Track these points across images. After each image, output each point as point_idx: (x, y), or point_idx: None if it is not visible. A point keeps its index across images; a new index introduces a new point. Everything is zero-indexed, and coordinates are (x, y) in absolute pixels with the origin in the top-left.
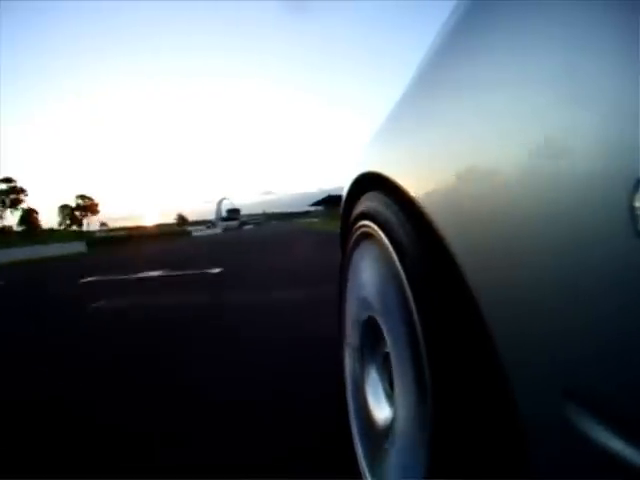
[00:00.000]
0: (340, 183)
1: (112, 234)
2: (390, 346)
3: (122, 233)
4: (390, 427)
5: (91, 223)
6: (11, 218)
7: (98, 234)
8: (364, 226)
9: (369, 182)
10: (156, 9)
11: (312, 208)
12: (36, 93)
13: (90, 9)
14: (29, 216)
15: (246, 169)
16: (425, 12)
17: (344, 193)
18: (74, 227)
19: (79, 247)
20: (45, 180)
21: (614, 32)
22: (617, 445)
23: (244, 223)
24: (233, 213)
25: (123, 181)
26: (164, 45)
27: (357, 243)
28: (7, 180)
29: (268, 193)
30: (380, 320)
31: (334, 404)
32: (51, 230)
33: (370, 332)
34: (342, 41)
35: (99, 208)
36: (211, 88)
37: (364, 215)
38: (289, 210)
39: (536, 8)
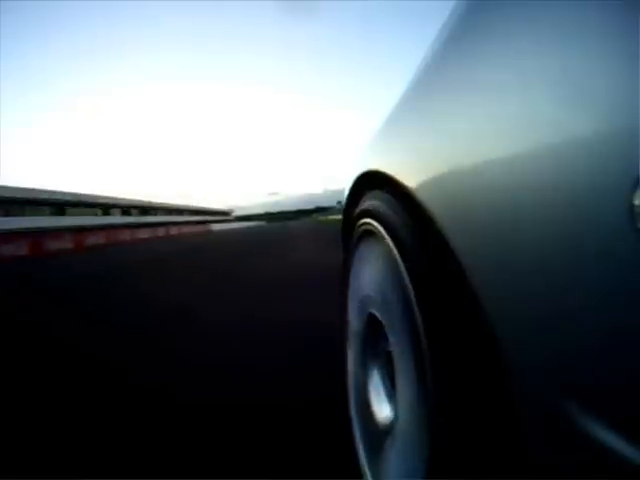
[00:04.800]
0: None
1: None
2: (392, 343)
3: None
4: (391, 426)
5: None
6: None
7: None
8: (366, 224)
9: (371, 180)
10: (156, 9)
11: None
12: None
13: (87, 8)
14: None
15: (251, 171)
16: (426, 11)
17: (346, 192)
18: None
19: None
20: None
21: (614, 32)
22: (617, 444)
23: None
24: None
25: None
26: (163, 46)
27: (359, 240)
28: None
29: (274, 194)
30: (382, 317)
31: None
32: None
33: (372, 329)
34: (344, 41)
35: None
36: (213, 90)
37: (366, 213)
38: (295, 208)
39: (535, 9)
